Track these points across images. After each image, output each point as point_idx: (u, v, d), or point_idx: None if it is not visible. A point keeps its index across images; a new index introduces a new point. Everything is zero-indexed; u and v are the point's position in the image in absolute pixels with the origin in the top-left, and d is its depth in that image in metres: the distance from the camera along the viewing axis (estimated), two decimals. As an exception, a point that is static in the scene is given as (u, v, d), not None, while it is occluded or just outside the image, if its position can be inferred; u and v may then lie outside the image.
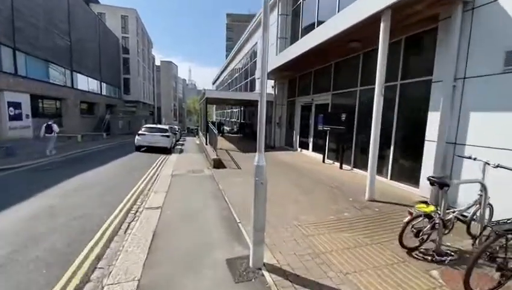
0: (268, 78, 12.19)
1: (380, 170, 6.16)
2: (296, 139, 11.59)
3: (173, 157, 11.19)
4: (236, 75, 23.35)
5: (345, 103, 8.04)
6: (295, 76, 11.46)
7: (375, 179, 5.06)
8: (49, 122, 11.13)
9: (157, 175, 7.54)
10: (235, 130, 23.08)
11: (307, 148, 10.66)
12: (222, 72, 34.48)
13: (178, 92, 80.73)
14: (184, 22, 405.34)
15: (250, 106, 19.38)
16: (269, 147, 12.55)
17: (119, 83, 38.41)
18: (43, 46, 18.35)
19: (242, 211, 4.38)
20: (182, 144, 19.09)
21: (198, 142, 20.00)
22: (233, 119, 27.03)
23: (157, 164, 9.68)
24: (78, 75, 24.17)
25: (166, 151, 12.92)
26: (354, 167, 7.54)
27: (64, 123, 21.84)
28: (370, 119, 5.11)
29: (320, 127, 8.72)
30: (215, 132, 8.83)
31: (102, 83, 30.58)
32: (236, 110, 25.11)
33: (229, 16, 74.84)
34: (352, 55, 7.59)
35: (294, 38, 11.29)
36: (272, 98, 12.62)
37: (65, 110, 22.03)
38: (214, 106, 37.80)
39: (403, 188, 5.77)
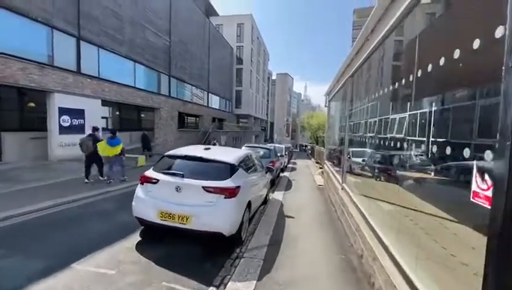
0: None
1: None
2: None
3: None
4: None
5: None
6: None
7: None
8: None
9: None
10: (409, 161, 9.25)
11: None
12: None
13: (292, 107, 75.26)
14: (300, 40, 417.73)
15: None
16: None
17: (231, 95, 35.09)
18: (126, 41, 14.49)
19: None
20: (288, 186, 9.60)
21: (319, 182, 10.03)
22: (388, 135, 13.64)
23: None
24: (177, 81, 20.42)
25: (225, 248, 3.12)
26: None
27: (157, 137, 17.89)
28: None
29: None
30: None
31: (209, 94, 27.02)
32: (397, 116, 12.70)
33: (356, 12, 62.43)
34: None
35: None
36: None
37: (158, 122, 18.13)
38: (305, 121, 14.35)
39: None
